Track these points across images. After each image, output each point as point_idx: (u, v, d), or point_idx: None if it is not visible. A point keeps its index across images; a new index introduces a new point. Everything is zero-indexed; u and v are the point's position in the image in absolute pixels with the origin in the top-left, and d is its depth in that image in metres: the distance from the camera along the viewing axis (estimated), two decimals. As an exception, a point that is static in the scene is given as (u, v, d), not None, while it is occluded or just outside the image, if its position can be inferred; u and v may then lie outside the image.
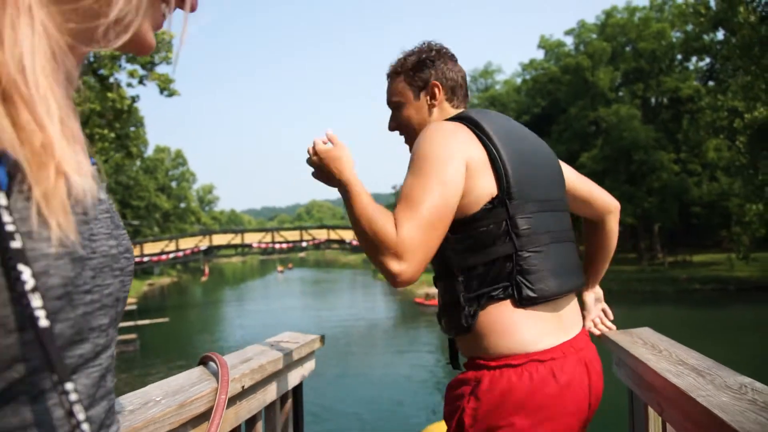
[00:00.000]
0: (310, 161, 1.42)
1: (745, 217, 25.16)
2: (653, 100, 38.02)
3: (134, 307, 25.23)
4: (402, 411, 10.59)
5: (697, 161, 34.22)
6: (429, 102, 1.55)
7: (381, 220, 1.23)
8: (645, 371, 1.30)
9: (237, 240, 37.48)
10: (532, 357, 1.26)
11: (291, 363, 2.07)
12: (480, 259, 1.31)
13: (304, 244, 38.00)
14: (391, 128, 1.62)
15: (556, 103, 38.87)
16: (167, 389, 1.42)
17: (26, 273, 0.37)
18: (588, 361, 1.33)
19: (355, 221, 1.28)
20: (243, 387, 1.63)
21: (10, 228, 0.36)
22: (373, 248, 1.24)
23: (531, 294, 1.28)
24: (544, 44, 41.00)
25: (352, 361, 14.83)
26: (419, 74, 1.54)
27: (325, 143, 1.40)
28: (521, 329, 1.28)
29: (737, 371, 1.18)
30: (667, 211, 32.94)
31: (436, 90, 1.54)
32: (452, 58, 1.58)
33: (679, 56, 36.18)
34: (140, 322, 21.17)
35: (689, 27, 31.50)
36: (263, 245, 38.34)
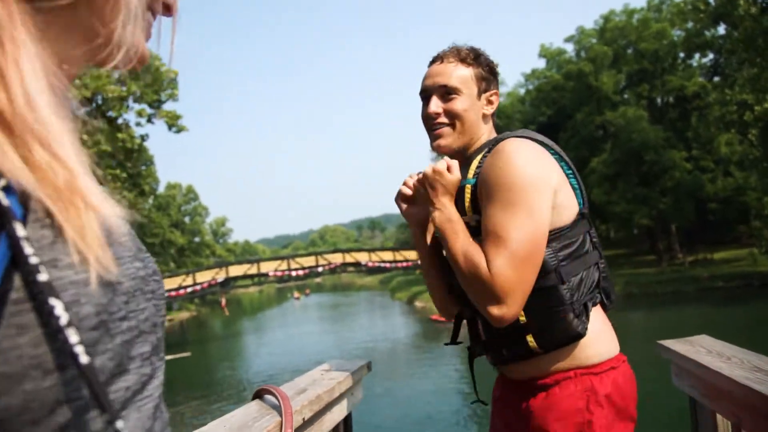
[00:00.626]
0: (424, 177, 1.43)
1: (764, 210, 24.83)
2: (659, 99, 37.87)
3: (156, 343, 25.25)
4: (435, 425, 10.58)
5: (710, 157, 33.91)
6: (485, 107, 1.50)
7: (476, 259, 1.26)
8: (718, 380, 1.27)
9: (253, 270, 37.53)
10: (621, 357, 1.39)
11: (344, 392, 2.05)
12: (581, 267, 1.36)
13: (319, 269, 37.94)
14: (435, 112, 1.48)
15: (561, 111, 38.82)
16: (230, 426, 1.42)
17: (58, 307, 0.34)
18: None
19: (453, 259, 1.32)
20: (304, 419, 1.62)
21: (34, 260, 0.34)
22: (471, 290, 1.28)
23: (613, 297, 1.43)
24: (545, 53, 41.11)
25: (379, 380, 14.72)
26: (488, 76, 1.51)
27: (449, 169, 1.41)
28: (611, 332, 1.40)
29: None
30: (682, 210, 32.59)
31: (495, 99, 1.52)
32: None
33: (681, 54, 36.07)
34: (163, 359, 21.13)
35: (689, 24, 31.49)
36: (279, 273, 38.36)
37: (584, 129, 36.38)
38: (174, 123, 23.49)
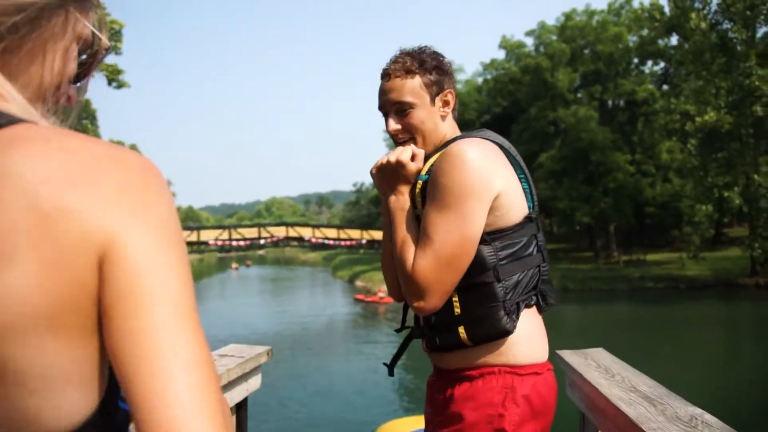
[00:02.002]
0: (387, 164, 1.48)
1: (695, 217, 26.00)
2: (610, 102, 38.86)
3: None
4: (362, 403, 10.60)
5: (651, 163, 35.14)
6: (442, 109, 1.51)
7: (406, 253, 1.37)
8: (597, 397, 1.26)
9: (193, 237, 36.67)
10: (548, 366, 1.41)
11: (234, 379, 1.97)
12: (519, 267, 1.38)
13: (262, 241, 37.57)
14: (394, 130, 1.51)
15: (516, 104, 39.35)
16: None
17: None
18: None
19: (393, 246, 1.42)
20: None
21: None
22: (400, 280, 1.38)
23: (552, 302, 1.44)
24: (505, 44, 41.43)
25: (310, 357, 14.71)
26: (438, 78, 1.49)
27: (413, 157, 1.46)
28: (541, 337, 1.43)
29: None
30: (622, 211, 33.73)
31: (450, 97, 1.51)
32: None
33: (635, 60, 37.06)
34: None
35: (644, 31, 32.34)
36: (220, 242, 37.74)
37: (537, 123, 37.01)
38: (114, 78, 22.14)
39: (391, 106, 1.49)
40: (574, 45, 37.06)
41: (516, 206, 1.38)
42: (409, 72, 1.47)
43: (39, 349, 0.47)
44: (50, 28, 0.56)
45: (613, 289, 28.45)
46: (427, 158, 1.50)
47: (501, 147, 1.42)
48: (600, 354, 1.65)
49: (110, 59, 22.19)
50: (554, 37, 38.41)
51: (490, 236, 1.34)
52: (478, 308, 1.35)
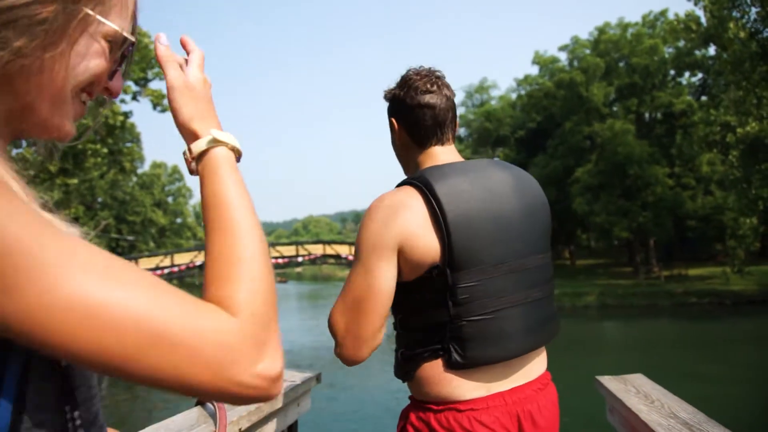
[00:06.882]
0: None
1: (739, 230, 25.26)
2: (647, 115, 38.21)
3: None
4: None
5: (692, 175, 34.36)
6: (402, 137, 1.47)
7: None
8: (637, 423, 1.32)
9: (233, 255, 37.31)
10: (450, 405, 1.29)
11: (288, 402, 2.07)
12: (417, 322, 1.36)
13: (299, 259, 37.88)
14: None
15: (551, 118, 39.04)
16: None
17: None
18: (523, 413, 1.30)
19: None
20: (240, 429, 1.64)
21: None
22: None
23: (459, 360, 1.27)
24: (539, 60, 41.29)
25: (351, 375, 14.78)
26: (391, 107, 1.48)
27: None
28: (449, 383, 1.30)
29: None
30: (662, 225, 33.00)
31: (396, 128, 1.48)
32: (426, 90, 1.40)
33: (672, 71, 36.46)
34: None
35: (681, 43, 31.81)
36: (259, 260, 38.15)
37: (572, 138, 36.62)
38: (159, 102, 23.34)
39: None
40: (609, 59, 36.67)
41: (416, 260, 1.27)
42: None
43: None
44: (62, 34, 0.54)
45: (655, 305, 27.76)
46: None
47: (433, 195, 1.27)
48: (639, 380, 1.69)
49: (155, 84, 23.05)
50: (588, 51, 38.11)
51: (407, 287, 1.31)
52: (396, 349, 1.42)
